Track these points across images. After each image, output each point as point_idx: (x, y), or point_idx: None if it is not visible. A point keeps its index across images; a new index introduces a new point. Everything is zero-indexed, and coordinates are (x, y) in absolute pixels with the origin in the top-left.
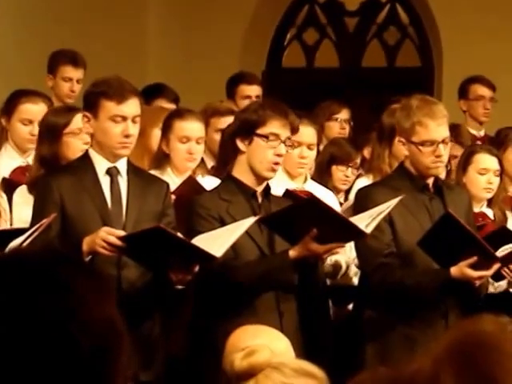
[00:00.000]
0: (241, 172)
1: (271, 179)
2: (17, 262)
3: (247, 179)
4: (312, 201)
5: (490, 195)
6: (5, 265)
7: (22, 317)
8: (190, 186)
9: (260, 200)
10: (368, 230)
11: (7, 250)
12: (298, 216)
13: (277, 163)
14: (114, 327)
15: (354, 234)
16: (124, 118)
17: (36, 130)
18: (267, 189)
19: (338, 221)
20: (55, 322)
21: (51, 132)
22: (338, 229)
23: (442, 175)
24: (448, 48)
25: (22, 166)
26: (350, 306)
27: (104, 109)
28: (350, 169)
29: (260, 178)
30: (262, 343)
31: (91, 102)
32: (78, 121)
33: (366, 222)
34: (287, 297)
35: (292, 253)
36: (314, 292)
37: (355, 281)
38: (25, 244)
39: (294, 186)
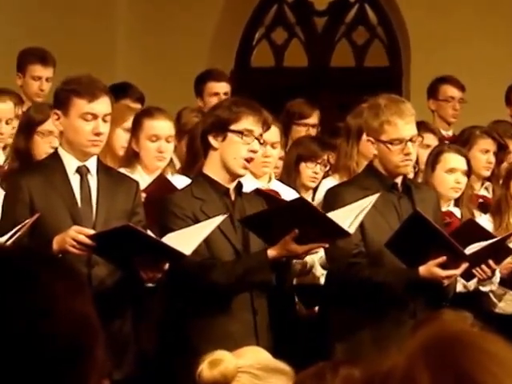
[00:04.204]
0: (213, 169)
1: (242, 177)
2: None
3: (219, 177)
4: (300, 201)
5: (457, 195)
6: None
7: None
8: (161, 184)
9: (233, 197)
10: (351, 230)
11: None
12: (279, 217)
13: (250, 159)
14: (89, 323)
15: (337, 233)
16: (95, 116)
17: (3, 128)
18: (239, 186)
19: (322, 221)
20: (30, 319)
21: (28, 126)
22: (322, 229)
23: (411, 175)
24: (416, 48)
25: None
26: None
27: (75, 106)
28: (318, 166)
29: (232, 175)
30: (222, 351)
31: (62, 100)
32: (50, 123)
33: (348, 220)
34: (260, 294)
35: (271, 253)
36: (286, 290)
37: (322, 281)
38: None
39: (259, 185)
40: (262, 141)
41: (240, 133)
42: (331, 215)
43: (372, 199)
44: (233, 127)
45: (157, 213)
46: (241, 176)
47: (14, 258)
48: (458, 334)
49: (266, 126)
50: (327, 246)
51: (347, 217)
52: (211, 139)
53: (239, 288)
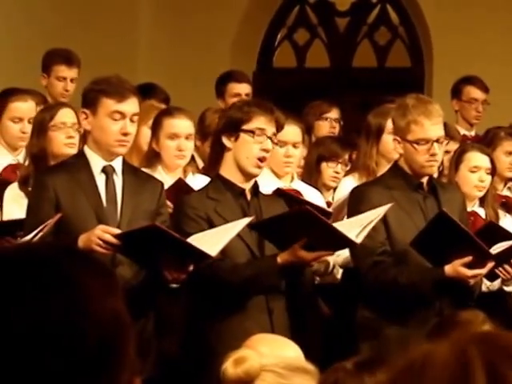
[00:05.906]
0: (228, 170)
1: (258, 177)
2: (23, 255)
3: (235, 177)
4: (304, 211)
5: (481, 193)
6: (14, 259)
7: (28, 308)
8: (180, 187)
9: (249, 198)
10: (358, 240)
11: None
12: (288, 223)
13: (263, 159)
14: (122, 321)
15: (344, 243)
16: (123, 116)
17: (26, 127)
18: (256, 187)
19: (328, 230)
20: (68, 319)
21: (39, 128)
22: (329, 238)
23: (435, 175)
24: (438, 48)
25: (13, 164)
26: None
27: (103, 106)
28: (339, 165)
29: (247, 175)
30: (246, 349)
31: (90, 99)
32: (62, 115)
33: (356, 230)
34: (276, 295)
35: (280, 258)
36: (303, 291)
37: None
38: None
39: (281, 185)
40: (275, 140)
41: (252, 132)
42: (339, 225)
43: (382, 210)
44: (245, 127)
45: (173, 214)
46: (255, 176)
47: (49, 254)
48: (490, 335)
49: (279, 126)
50: (334, 253)
51: (355, 226)
52: (225, 140)
53: (249, 289)
